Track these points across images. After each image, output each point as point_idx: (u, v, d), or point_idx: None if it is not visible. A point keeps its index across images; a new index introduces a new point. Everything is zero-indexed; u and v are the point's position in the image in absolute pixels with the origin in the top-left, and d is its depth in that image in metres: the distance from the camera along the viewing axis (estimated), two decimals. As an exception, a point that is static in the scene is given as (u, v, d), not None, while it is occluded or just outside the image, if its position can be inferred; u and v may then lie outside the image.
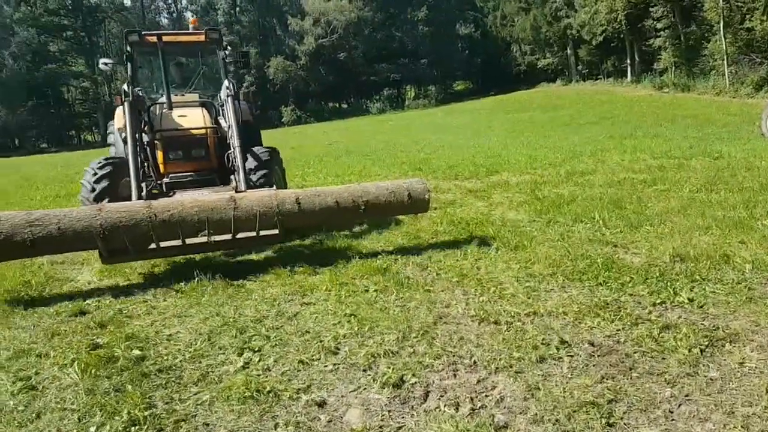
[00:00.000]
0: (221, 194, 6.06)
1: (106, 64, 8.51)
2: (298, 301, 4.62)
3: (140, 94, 7.56)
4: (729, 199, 7.15)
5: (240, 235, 5.61)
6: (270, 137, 33.27)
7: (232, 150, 6.98)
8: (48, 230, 4.90)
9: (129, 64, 7.76)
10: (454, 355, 3.49)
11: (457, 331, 3.85)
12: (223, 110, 8.02)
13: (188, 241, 5.42)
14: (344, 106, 69.35)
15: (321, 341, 3.78)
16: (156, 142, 7.42)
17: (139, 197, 6.29)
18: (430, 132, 29.71)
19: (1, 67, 61.03)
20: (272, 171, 7.32)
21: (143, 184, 6.69)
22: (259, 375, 3.37)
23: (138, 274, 5.74)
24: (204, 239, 5.48)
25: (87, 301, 4.92)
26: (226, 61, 8.43)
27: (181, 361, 3.64)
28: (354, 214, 6.13)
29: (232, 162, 7.09)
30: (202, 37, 8.07)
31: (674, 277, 4.51)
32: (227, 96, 7.33)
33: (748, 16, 32.81)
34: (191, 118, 7.75)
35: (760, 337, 3.45)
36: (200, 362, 3.61)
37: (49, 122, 64.66)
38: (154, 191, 7.09)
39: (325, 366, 3.45)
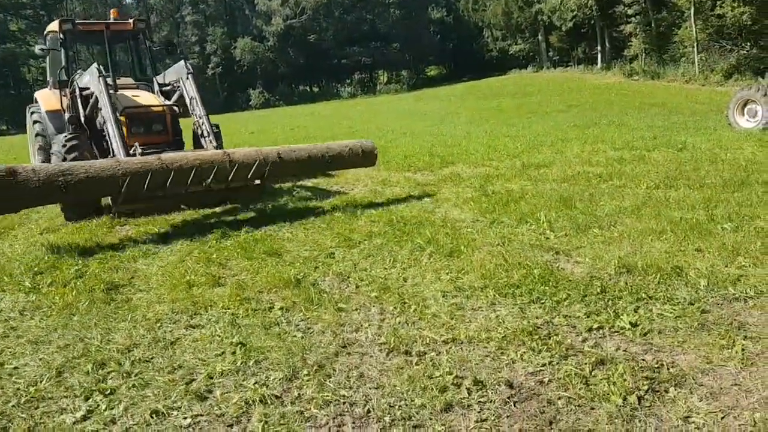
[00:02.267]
0: (215, 151, 7.16)
1: (42, 49, 9.12)
2: (185, 322, 3.95)
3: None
4: (688, 198, 6.61)
5: (233, 185, 6.80)
6: (232, 121, 32.42)
7: (198, 119, 8.00)
8: (79, 177, 5.70)
9: (63, 50, 8.71)
10: (345, 402, 2.87)
11: (360, 366, 3.23)
12: (162, 91, 8.95)
13: (190, 190, 6.46)
14: (315, 89, 68.14)
15: (191, 381, 3.12)
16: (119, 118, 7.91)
17: (127, 155, 7.02)
18: (397, 118, 29.07)
19: (-44, 46, 58.56)
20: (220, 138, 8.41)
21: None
22: (96, 431, 2.71)
23: (18, 282, 4.97)
24: (201, 189, 6.53)
25: (-57, 320, 4.20)
26: (153, 49, 9.76)
27: (13, 406, 2.97)
28: (322, 165, 7.78)
29: (200, 128, 8.06)
30: (129, 26, 9.17)
31: (617, 294, 3.93)
32: (187, 74, 8.18)
33: (719, 3, 32.56)
34: (144, 97, 8.50)
35: (711, 379, 2.86)
36: (36, 408, 2.94)
37: (9, 103, 62.23)
38: None
39: (184, 418, 2.79)
